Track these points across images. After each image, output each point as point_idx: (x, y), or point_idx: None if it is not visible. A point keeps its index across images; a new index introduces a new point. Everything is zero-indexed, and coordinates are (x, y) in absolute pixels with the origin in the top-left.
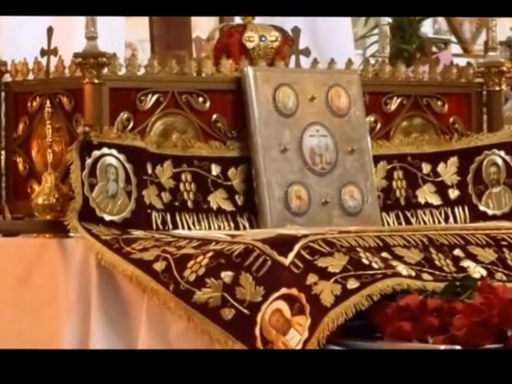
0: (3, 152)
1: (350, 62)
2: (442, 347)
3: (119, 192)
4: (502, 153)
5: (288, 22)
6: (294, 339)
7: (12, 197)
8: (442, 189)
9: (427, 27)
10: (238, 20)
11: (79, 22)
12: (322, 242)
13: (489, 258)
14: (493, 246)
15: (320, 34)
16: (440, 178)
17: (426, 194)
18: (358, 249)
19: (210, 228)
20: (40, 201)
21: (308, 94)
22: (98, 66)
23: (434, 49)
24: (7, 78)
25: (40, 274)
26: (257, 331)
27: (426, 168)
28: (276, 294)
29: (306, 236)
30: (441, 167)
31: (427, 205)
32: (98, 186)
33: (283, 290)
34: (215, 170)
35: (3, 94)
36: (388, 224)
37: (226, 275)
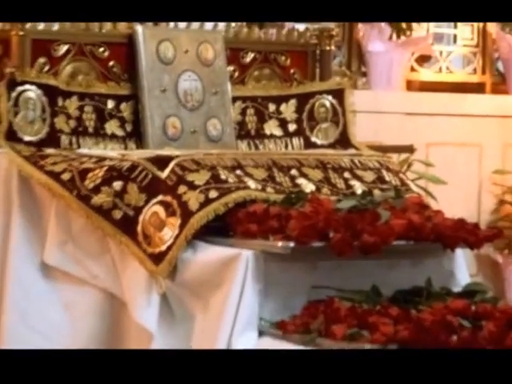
0: None
1: (216, 24)
2: (280, 244)
3: (36, 119)
4: (330, 97)
5: None
6: (167, 235)
7: None
8: (283, 123)
9: None
10: None
11: None
12: (191, 161)
13: (317, 177)
14: (321, 168)
15: None
16: (282, 116)
17: (271, 128)
18: (218, 167)
19: (105, 148)
20: None
21: (183, 48)
22: (23, 22)
23: None
24: None
25: None
26: (139, 228)
27: (272, 107)
28: (154, 200)
29: (178, 156)
30: (283, 107)
31: (272, 136)
32: (20, 114)
33: (160, 197)
34: (111, 104)
35: None
36: (242, 149)
37: (117, 184)
